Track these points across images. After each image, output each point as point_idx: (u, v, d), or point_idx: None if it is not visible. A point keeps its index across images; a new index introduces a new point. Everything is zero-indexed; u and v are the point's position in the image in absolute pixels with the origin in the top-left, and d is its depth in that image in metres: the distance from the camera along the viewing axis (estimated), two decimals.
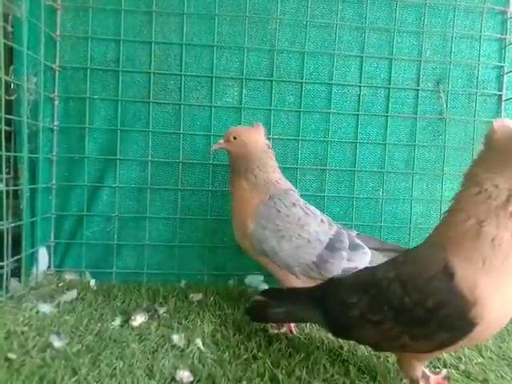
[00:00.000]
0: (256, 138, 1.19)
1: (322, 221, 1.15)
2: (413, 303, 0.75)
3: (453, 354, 1.02)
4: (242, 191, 1.16)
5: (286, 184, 1.21)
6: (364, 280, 0.87)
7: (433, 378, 0.92)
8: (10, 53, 1.27)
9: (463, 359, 1.00)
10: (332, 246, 1.11)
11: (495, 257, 0.71)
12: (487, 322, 0.71)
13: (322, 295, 0.93)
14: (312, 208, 1.18)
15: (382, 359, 0.98)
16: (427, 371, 0.90)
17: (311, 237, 1.11)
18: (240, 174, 1.17)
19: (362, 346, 1.03)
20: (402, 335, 0.77)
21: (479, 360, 1.00)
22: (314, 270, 1.11)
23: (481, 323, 0.71)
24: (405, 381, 0.88)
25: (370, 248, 1.15)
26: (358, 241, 1.15)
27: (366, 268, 0.95)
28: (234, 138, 1.18)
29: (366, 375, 0.91)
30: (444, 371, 0.97)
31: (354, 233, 1.20)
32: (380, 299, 0.80)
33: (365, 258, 1.12)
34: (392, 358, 0.98)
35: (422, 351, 0.79)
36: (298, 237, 1.11)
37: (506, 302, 0.72)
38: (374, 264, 0.99)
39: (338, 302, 0.87)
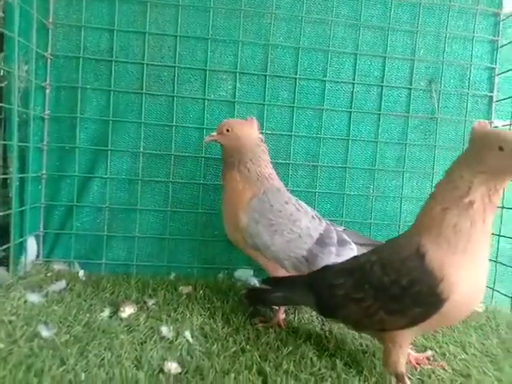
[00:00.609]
0: (249, 131, 1.19)
1: (312, 217, 1.17)
2: (390, 282, 0.83)
3: (437, 350, 1.04)
4: (235, 183, 1.17)
5: (277, 181, 1.21)
6: (349, 265, 0.96)
7: (413, 355, 0.98)
8: (0, 39, 1.26)
9: (447, 355, 1.02)
10: (322, 241, 1.13)
11: (458, 241, 0.80)
12: (455, 299, 0.78)
13: (312, 280, 1.00)
14: (303, 205, 1.19)
15: (368, 354, 1.00)
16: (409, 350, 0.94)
17: (302, 232, 1.13)
18: (233, 167, 1.17)
19: (349, 341, 1.05)
20: (380, 311, 0.85)
21: (463, 356, 1.02)
22: (303, 264, 1.12)
23: (449, 300, 0.78)
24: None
25: (355, 243, 1.17)
26: (345, 236, 1.18)
27: (352, 257, 1.02)
28: (227, 131, 1.18)
29: (352, 369, 0.92)
30: (429, 352, 1.01)
31: (340, 228, 1.21)
32: (362, 280, 0.88)
33: (351, 254, 1.14)
34: (378, 353, 0.99)
35: (398, 327, 0.85)
36: (290, 231, 1.12)
37: (471, 281, 0.80)
38: None
39: (326, 285, 0.95)
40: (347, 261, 1.00)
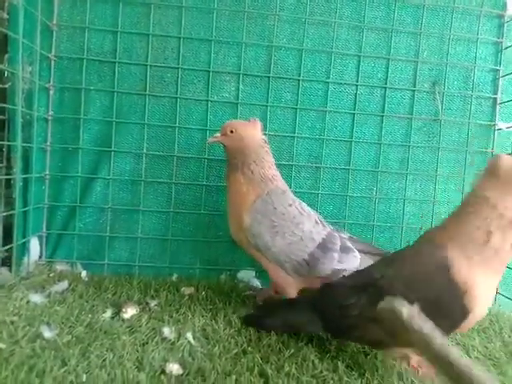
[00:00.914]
0: (253, 132, 1.19)
1: (316, 221, 1.16)
2: (416, 298, 0.79)
3: None
4: (239, 185, 1.17)
5: (281, 183, 1.21)
6: (359, 282, 0.92)
7: (415, 359, 0.96)
8: (5, 41, 1.26)
9: None
10: (324, 246, 1.13)
11: (496, 262, 0.85)
12: (476, 311, 0.83)
13: (317, 302, 0.97)
14: (307, 209, 1.19)
15: (370, 356, 0.99)
16: None
17: (304, 235, 1.12)
18: (236, 169, 1.17)
19: (352, 344, 1.04)
20: None
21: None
22: (304, 268, 1.12)
23: (472, 312, 0.82)
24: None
25: (359, 250, 1.17)
26: (348, 244, 1.17)
27: (358, 271, 1.00)
28: (231, 132, 1.18)
29: (354, 372, 0.92)
30: None
31: (345, 235, 1.21)
32: (379, 297, 0.82)
33: (355, 261, 1.14)
34: (380, 355, 0.99)
35: None
36: (292, 234, 1.12)
37: (490, 293, 0.86)
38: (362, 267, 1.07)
39: (336, 306, 0.92)
40: (353, 277, 0.97)
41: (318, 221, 1.17)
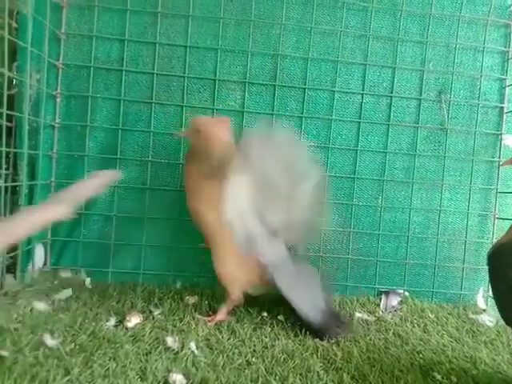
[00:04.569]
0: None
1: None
2: None
3: (447, 364, 1.02)
4: (213, 192, 1.12)
5: None
6: None
7: None
8: (13, 49, 1.28)
9: (456, 370, 1.00)
10: None
11: None
12: None
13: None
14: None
15: (375, 368, 0.98)
16: None
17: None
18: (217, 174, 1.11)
19: (357, 354, 1.03)
20: None
21: (473, 372, 1.00)
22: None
23: None
24: None
25: None
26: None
27: None
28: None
29: (359, 383, 0.91)
30: None
31: None
32: None
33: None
34: (385, 365, 0.98)
35: None
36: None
37: None
38: None
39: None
40: None
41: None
